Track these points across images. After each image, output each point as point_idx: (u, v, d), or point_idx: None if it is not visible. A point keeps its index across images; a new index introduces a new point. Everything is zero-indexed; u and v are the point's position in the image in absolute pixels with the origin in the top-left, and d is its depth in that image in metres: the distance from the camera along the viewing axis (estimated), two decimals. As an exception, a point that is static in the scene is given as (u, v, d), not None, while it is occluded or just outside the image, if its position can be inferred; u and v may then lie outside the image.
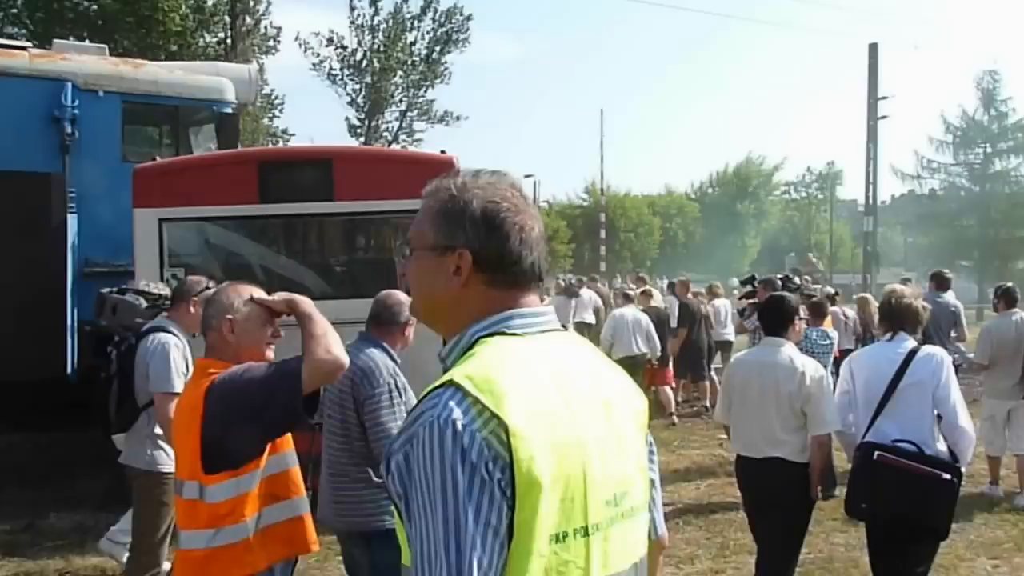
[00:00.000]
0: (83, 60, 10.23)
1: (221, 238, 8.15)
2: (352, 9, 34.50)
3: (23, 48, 10.36)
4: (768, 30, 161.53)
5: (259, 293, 3.16)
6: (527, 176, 41.51)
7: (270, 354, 3.14)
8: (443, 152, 7.78)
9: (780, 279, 9.81)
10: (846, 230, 61.63)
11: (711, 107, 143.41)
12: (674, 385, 13.06)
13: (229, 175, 7.66)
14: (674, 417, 12.38)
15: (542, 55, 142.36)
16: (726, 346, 14.17)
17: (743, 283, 10.45)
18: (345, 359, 2.99)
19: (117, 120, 10.09)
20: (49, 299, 9.33)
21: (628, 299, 12.53)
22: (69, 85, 9.70)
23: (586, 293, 17.49)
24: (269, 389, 2.88)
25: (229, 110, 10.74)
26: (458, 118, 35.53)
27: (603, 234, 36.05)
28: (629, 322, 11.60)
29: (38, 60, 9.99)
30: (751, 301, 9.83)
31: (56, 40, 11.77)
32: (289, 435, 3.23)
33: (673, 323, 12.93)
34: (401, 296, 4.29)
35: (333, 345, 2.93)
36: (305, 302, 3.11)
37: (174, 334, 5.05)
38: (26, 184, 9.55)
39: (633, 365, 11.05)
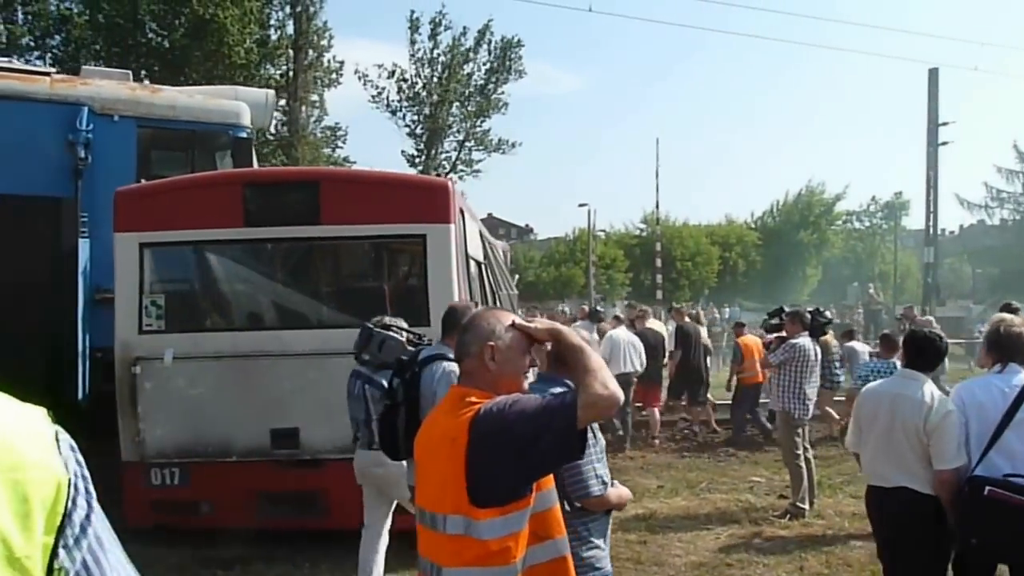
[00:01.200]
0: (101, 85, 9.94)
1: (204, 263, 7.66)
2: (413, 43, 34.66)
3: (47, 74, 10.14)
4: (830, 55, 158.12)
5: (518, 319, 2.92)
6: (581, 205, 40.96)
7: (526, 385, 2.93)
8: (439, 175, 7.18)
9: (810, 312, 8.90)
10: (913, 261, 59.28)
11: (773, 135, 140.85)
12: (661, 407, 13.35)
13: (213, 198, 7.20)
14: (656, 441, 12.59)
15: (602, 87, 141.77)
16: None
17: (770, 315, 9.54)
18: (620, 394, 2.74)
19: (131, 144, 9.79)
20: (60, 324, 9.02)
21: (619, 321, 12.82)
22: (85, 110, 9.43)
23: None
24: (542, 424, 2.66)
25: (244, 134, 10.38)
26: (513, 145, 35.30)
27: (659, 263, 35.06)
28: (623, 342, 11.84)
29: (58, 85, 9.75)
30: (778, 335, 8.95)
31: (84, 67, 11.58)
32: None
33: (670, 346, 13.44)
34: (582, 332, 3.91)
35: (608, 379, 2.69)
36: (570, 332, 2.88)
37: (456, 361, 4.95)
38: (37, 208, 9.29)
39: (626, 383, 11.37)
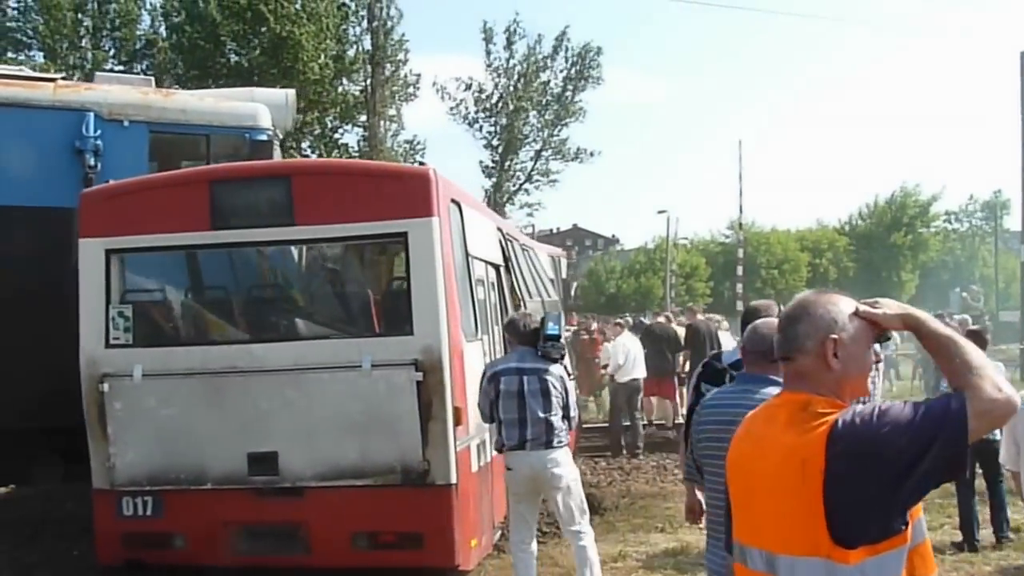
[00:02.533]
0: (109, 90, 9.39)
1: (174, 270, 6.94)
2: (488, 53, 34.11)
3: (52, 80, 9.67)
4: (923, 45, 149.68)
5: (862, 305, 2.32)
6: (660, 212, 39.61)
7: (870, 387, 2.47)
8: (422, 164, 6.28)
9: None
10: (1018, 263, 55.53)
11: (864, 134, 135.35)
12: (677, 399, 13.98)
13: (179, 198, 6.46)
14: (671, 433, 13.01)
15: (686, 92, 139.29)
16: None
17: None
18: (1016, 398, 2.20)
19: (143, 151, 9.17)
20: (69, 340, 8.47)
21: (620, 327, 13.32)
22: (91, 115, 8.89)
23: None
24: (926, 438, 2.14)
25: (264, 137, 9.66)
26: (592, 154, 34.28)
27: (740, 271, 33.27)
28: (632, 349, 12.26)
29: (62, 91, 9.25)
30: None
31: (98, 73, 11.13)
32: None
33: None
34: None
35: (1000, 379, 2.16)
36: (933, 320, 2.31)
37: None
38: (47, 219, 8.78)
39: (636, 389, 12.21)
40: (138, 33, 31.35)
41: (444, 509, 5.95)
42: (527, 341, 5.87)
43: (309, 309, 6.95)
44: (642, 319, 15.13)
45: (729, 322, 19.16)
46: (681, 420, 13.51)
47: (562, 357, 5.96)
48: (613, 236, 78.03)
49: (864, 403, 2.32)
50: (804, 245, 48.52)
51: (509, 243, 8.99)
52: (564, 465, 5.80)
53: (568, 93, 33.96)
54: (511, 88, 33.61)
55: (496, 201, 34.58)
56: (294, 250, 6.96)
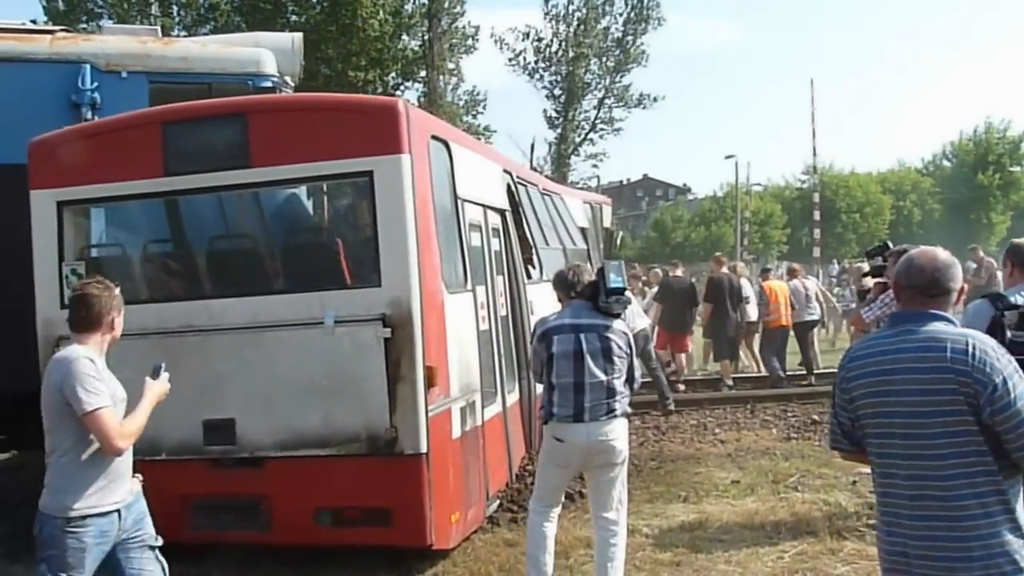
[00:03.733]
0: (106, 40, 8.86)
1: (126, 221, 6.35)
2: (546, 1, 32.90)
3: (50, 32, 9.17)
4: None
5: None
6: (728, 157, 37.85)
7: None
8: (396, 95, 5.50)
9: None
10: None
11: (950, 69, 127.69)
12: (690, 351, 13.99)
13: (131, 143, 5.85)
14: (681, 387, 12.57)
15: (756, 35, 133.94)
16: (810, 326, 13.66)
17: (869, 255, 7.07)
18: None
19: (143, 102, 8.58)
20: None
21: None
22: (87, 67, 8.37)
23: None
24: None
25: (268, 84, 9.01)
26: (655, 99, 32.81)
27: (817, 216, 31.39)
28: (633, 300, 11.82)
29: (59, 43, 8.73)
30: (878, 280, 6.55)
31: (105, 24, 10.62)
32: None
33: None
34: (942, 254, 2.96)
35: None
36: None
37: None
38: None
39: (646, 337, 11.20)
40: (201, -1, 31.15)
41: (413, 482, 5.26)
42: (581, 295, 5.05)
43: (269, 260, 6.28)
44: (672, 266, 14.32)
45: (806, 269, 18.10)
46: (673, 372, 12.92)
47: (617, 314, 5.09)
48: (684, 185, 75.69)
49: None
50: (886, 187, 45.94)
51: (520, 187, 8.15)
52: (623, 438, 4.99)
53: (629, 37, 32.51)
54: (571, 35, 32.37)
55: (562, 152, 33.57)
56: (254, 195, 6.27)
